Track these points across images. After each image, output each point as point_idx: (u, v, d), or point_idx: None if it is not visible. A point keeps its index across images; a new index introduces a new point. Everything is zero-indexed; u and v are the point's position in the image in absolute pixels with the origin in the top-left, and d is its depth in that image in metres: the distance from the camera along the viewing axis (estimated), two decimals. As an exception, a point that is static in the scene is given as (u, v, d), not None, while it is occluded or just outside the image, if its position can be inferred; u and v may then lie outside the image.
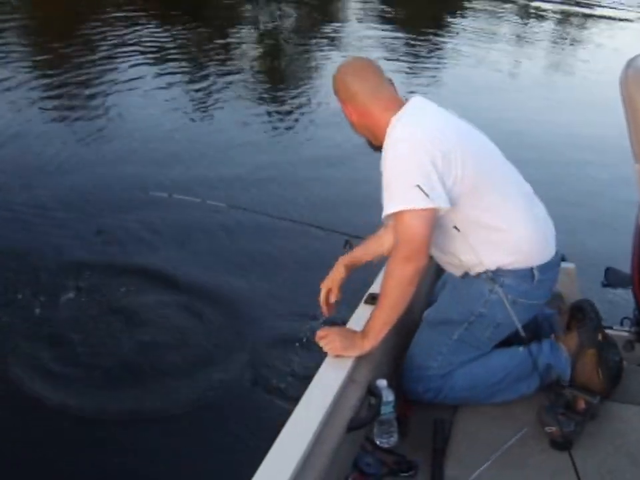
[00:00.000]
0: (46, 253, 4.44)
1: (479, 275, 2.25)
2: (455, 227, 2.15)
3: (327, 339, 2.23)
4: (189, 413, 3.21)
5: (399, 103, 2.24)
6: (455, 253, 2.29)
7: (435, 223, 2.11)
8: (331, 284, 2.59)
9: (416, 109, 2.24)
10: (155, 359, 3.57)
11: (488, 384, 2.37)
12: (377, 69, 2.31)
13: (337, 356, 2.20)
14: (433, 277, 2.87)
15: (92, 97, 7.74)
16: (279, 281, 4.29)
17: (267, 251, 4.60)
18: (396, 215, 2.09)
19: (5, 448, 3.00)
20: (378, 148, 2.27)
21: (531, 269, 2.27)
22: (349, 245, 2.77)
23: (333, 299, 2.59)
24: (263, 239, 4.66)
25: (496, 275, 2.23)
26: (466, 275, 2.32)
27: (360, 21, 12.40)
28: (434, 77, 9.50)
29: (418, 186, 2.02)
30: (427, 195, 2.02)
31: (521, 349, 2.37)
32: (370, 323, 2.23)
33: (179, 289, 4.17)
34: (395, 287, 2.17)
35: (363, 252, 2.62)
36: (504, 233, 2.25)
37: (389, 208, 2.10)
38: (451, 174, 2.12)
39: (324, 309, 2.60)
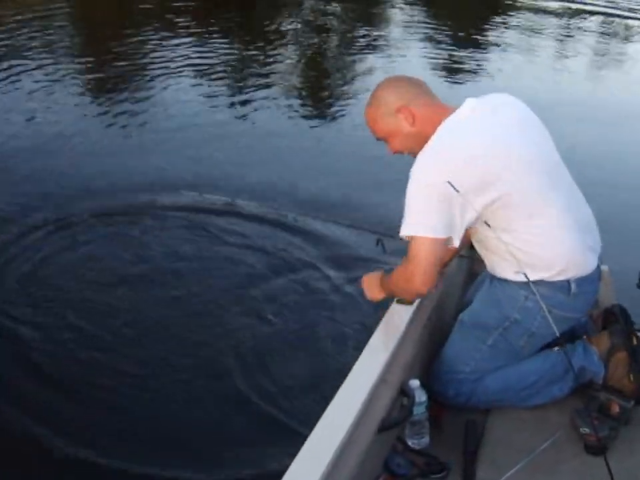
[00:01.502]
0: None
1: (515, 280, 2.21)
2: (496, 237, 2.14)
3: (366, 283, 2.54)
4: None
5: (448, 112, 2.19)
6: (495, 253, 2.27)
7: (443, 249, 2.16)
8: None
9: (456, 123, 2.16)
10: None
11: (520, 387, 2.35)
12: (420, 80, 2.32)
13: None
14: (466, 277, 2.85)
15: (136, 92, 7.86)
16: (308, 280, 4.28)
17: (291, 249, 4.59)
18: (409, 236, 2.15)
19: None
20: None
21: (568, 282, 2.21)
22: (381, 244, 2.77)
23: None
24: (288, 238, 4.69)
25: (532, 283, 2.16)
26: (504, 278, 2.29)
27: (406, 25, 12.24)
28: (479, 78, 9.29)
29: (432, 213, 2.07)
30: (439, 226, 2.07)
31: (553, 351, 2.34)
32: (387, 281, 2.39)
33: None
34: (398, 290, 2.37)
35: None
36: (540, 247, 2.18)
37: (404, 229, 2.14)
38: (476, 202, 2.07)
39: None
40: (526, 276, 2.12)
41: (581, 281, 2.23)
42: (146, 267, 4.32)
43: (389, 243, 2.79)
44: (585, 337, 2.43)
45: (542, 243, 2.18)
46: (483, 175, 2.08)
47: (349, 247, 4.49)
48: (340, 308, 3.93)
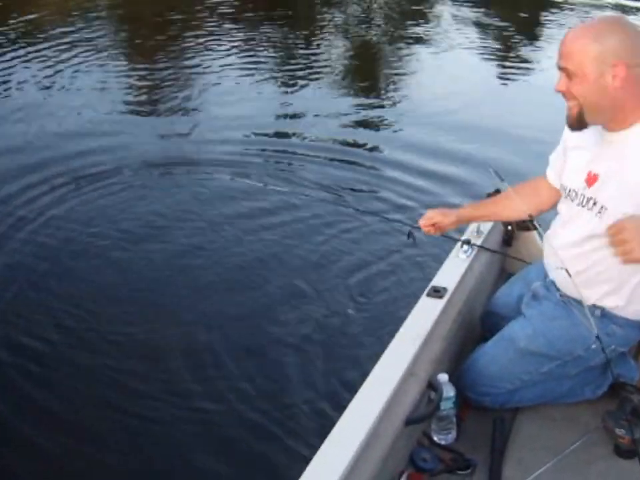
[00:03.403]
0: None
1: (586, 307, 1.87)
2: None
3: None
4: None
5: None
6: (601, 274, 2.05)
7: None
8: (434, 223, 2.45)
9: None
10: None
11: (556, 393, 2.31)
12: None
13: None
14: (497, 274, 2.81)
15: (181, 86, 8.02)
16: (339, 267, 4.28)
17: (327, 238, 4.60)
18: None
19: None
20: (583, 127, 1.98)
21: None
22: (412, 237, 2.73)
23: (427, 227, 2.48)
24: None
25: (606, 317, 2.08)
26: (571, 298, 2.14)
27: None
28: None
29: None
30: None
31: None
32: None
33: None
34: None
35: (482, 214, 2.55)
36: (630, 277, 2.02)
37: None
38: None
39: (422, 225, 2.49)
40: (601, 308, 2.03)
41: None
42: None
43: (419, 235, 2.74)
44: None
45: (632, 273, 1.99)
46: None
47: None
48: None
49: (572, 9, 12.23)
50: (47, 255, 4.36)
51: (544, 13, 11.93)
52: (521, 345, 2.23)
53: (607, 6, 12.43)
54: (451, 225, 2.46)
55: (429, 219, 2.45)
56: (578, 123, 1.97)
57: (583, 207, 2.06)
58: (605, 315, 2.08)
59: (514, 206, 2.33)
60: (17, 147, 6.00)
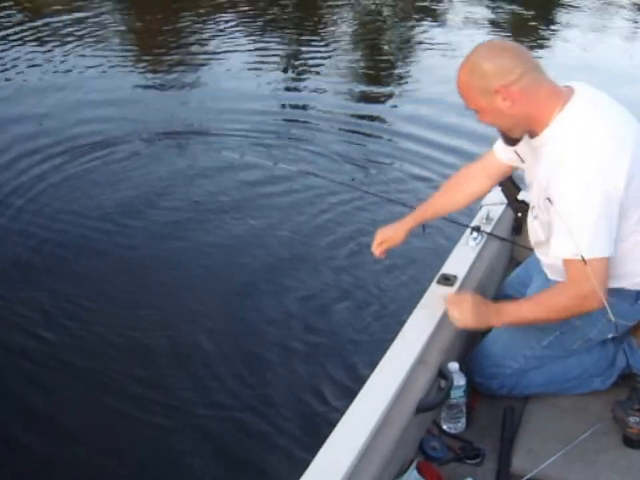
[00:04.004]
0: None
1: None
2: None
3: (459, 307, 2.10)
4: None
5: (562, 92, 1.95)
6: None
7: None
8: (386, 242, 2.47)
9: (593, 111, 1.92)
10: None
11: (564, 380, 2.29)
12: (528, 50, 2.02)
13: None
14: (507, 262, 2.79)
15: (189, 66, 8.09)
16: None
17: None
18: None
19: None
20: (515, 141, 2.07)
21: (637, 292, 2.11)
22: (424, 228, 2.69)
23: (381, 252, 2.49)
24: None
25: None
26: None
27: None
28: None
29: (604, 228, 1.86)
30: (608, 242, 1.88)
31: (599, 346, 2.27)
32: (513, 308, 2.09)
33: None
34: (552, 314, 2.04)
35: (434, 211, 2.50)
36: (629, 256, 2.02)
37: (582, 247, 1.85)
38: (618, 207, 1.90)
39: (375, 252, 2.50)
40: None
41: None
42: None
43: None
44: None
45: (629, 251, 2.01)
46: (625, 179, 1.88)
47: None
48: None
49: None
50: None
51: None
52: None
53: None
54: (404, 237, 2.48)
55: (379, 241, 2.48)
56: (508, 141, 2.09)
57: (532, 211, 2.19)
58: None
59: (463, 189, 2.43)
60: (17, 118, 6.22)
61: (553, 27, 10.08)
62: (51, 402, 3.07)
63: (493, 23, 9.98)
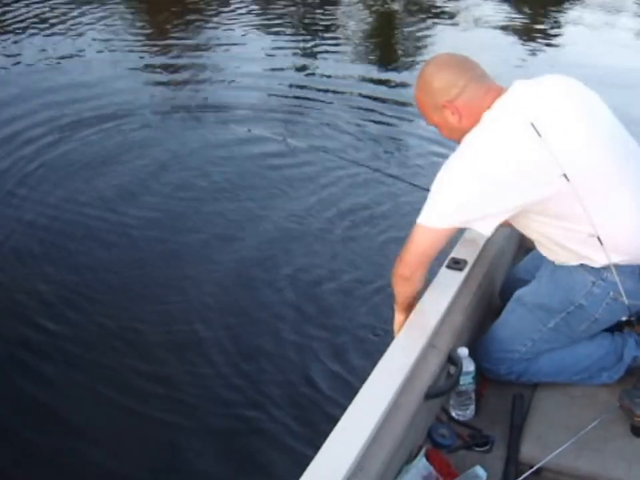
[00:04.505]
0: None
1: (583, 265, 2.07)
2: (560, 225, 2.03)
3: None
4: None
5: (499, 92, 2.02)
6: (556, 241, 2.11)
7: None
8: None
9: (503, 112, 1.98)
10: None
11: (573, 371, 2.26)
12: (473, 59, 2.09)
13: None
14: (516, 249, 2.75)
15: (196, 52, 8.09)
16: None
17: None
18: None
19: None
20: None
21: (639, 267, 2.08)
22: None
23: None
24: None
25: (600, 270, 2.05)
26: (570, 264, 2.13)
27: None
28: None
29: (450, 202, 1.96)
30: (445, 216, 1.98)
31: (608, 340, 2.26)
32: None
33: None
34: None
35: None
36: (605, 236, 2.00)
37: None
38: (521, 199, 1.96)
39: None
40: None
41: None
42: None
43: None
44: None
45: (607, 231, 1.99)
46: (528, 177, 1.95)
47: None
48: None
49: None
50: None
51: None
52: (526, 300, 2.24)
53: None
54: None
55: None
56: None
57: None
58: (597, 268, 2.06)
59: None
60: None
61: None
62: (51, 393, 3.02)
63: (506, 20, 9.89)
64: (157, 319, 3.47)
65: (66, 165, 5.01)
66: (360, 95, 6.48)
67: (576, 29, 9.66)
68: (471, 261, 2.39)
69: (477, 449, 2.05)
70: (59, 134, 5.50)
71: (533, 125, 1.88)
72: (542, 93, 2.02)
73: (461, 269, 2.34)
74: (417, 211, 2.02)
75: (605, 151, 2.01)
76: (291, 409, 2.91)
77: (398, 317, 2.29)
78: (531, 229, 2.15)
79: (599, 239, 1.97)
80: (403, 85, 6.83)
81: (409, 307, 2.26)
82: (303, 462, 1.60)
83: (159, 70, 7.26)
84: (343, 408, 1.75)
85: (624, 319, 2.15)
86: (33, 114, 5.82)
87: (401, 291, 2.18)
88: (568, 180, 1.88)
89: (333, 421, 1.71)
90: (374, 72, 7.34)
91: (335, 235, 4.16)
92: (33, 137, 5.42)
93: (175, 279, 3.76)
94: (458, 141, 2.06)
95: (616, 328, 2.24)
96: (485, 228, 2.01)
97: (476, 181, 1.93)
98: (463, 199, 1.95)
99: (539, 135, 1.87)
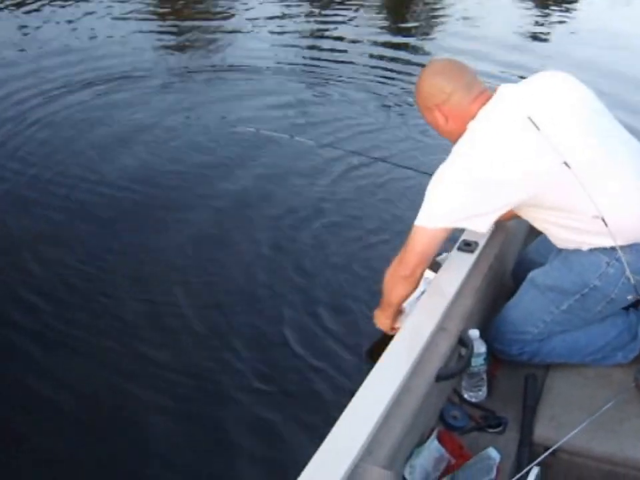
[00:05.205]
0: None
1: (596, 246, 2.07)
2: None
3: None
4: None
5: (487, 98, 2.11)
6: (564, 233, 2.14)
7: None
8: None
9: (496, 112, 2.06)
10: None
11: (586, 352, 2.24)
12: (466, 66, 2.19)
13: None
14: (528, 231, 2.73)
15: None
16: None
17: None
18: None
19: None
20: None
21: None
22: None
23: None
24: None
25: (612, 250, 2.04)
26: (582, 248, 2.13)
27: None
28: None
29: (447, 202, 2.04)
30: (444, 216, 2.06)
31: (621, 318, 2.24)
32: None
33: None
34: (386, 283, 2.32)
35: None
36: (609, 218, 1.99)
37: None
38: (515, 196, 2.03)
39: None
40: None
41: None
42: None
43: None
44: None
45: (619, 206, 2.02)
46: (522, 176, 2.00)
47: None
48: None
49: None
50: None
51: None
52: (538, 282, 2.23)
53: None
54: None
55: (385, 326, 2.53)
56: None
57: None
58: (611, 248, 2.06)
59: None
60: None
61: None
62: (49, 381, 2.89)
63: None
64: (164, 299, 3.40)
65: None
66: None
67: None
68: (482, 243, 2.38)
69: (490, 430, 2.05)
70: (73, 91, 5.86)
71: (530, 119, 1.95)
72: (533, 90, 2.11)
73: (472, 251, 2.33)
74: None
75: (600, 138, 2.06)
76: (313, 383, 2.85)
77: (385, 320, 2.42)
78: (538, 222, 2.19)
79: (603, 220, 1.97)
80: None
81: (397, 313, 2.39)
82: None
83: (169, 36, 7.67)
84: (352, 393, 1.75)
85: (629, 297, 2.12)
86: (70, 74, 6.21)
87: (399, 290, 2.26)
88: (569, 167, 1.93)
89: (342, 405, 1.71)
90: (389, 64, 7.22)
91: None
92: (66, 92, 5.79)
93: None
94: (450, 140, 2.16)
95: (628, 307, 2.22)
96: (481, 226, 2.07)
97: (471, 179, 2.01)
98: (457, 199, 2.03)
99: (538, 128, 1.94)
